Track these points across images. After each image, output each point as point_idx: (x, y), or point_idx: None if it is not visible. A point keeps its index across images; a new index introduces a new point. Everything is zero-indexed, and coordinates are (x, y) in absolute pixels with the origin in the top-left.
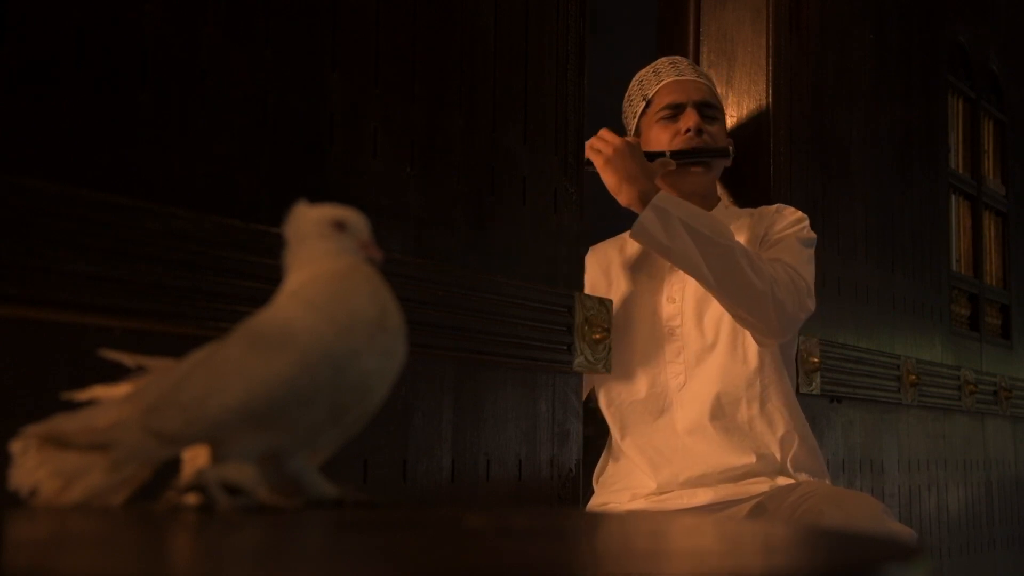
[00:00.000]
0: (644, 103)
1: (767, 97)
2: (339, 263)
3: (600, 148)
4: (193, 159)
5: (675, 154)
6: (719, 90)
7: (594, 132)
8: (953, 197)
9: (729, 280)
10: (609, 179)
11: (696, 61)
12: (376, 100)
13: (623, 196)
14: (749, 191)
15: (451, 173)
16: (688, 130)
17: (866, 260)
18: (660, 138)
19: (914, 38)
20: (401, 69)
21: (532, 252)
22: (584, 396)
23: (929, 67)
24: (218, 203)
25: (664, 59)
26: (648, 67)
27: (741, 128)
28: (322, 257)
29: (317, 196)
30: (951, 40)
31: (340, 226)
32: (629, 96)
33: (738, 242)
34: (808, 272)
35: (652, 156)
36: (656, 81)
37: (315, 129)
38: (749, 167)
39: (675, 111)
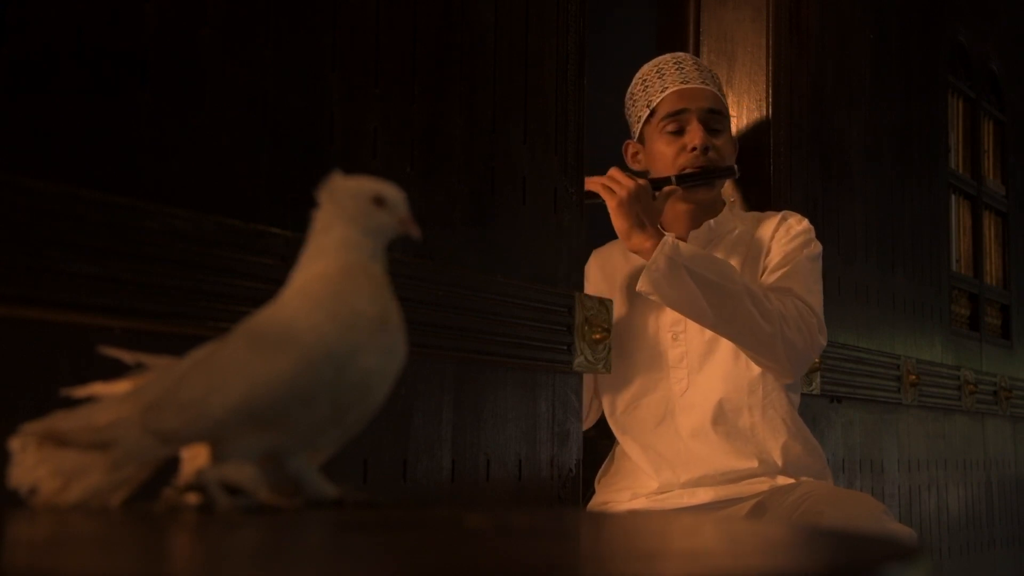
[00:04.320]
0: (648, 110)
1: (767, 97)
2: (350, 259)
3: (614, 188)
4: (193, 159)
5: (681, 179)
6: None
7: (594, 132)
8: (953, 197)
9: (737, 326)
10: (620, 223)
11: None
12: (376, 100)
13: (632, 242)
14: (749, 191)
15: (451, 173)
16: (694, 148)
17: (866, 260)
18: (665, 153)
19: (914, 38)
20: (401, 69)
21: (532, 252)
22: (588, 407)
23: (929, 67)
24: (218, 203)
25: (668, 57)
26: (651, 65)
27: (741, 128)
28: (338, 250)
29: (317, 196)
30: (951, 40)
31: (379, 201)
32: (632, 96)
33: (745, 283)
34: (818, 299)
35: (659, 183)
36: (660, 87)
37: (315, 129)
38: (749, 167)
39: (680, 123)
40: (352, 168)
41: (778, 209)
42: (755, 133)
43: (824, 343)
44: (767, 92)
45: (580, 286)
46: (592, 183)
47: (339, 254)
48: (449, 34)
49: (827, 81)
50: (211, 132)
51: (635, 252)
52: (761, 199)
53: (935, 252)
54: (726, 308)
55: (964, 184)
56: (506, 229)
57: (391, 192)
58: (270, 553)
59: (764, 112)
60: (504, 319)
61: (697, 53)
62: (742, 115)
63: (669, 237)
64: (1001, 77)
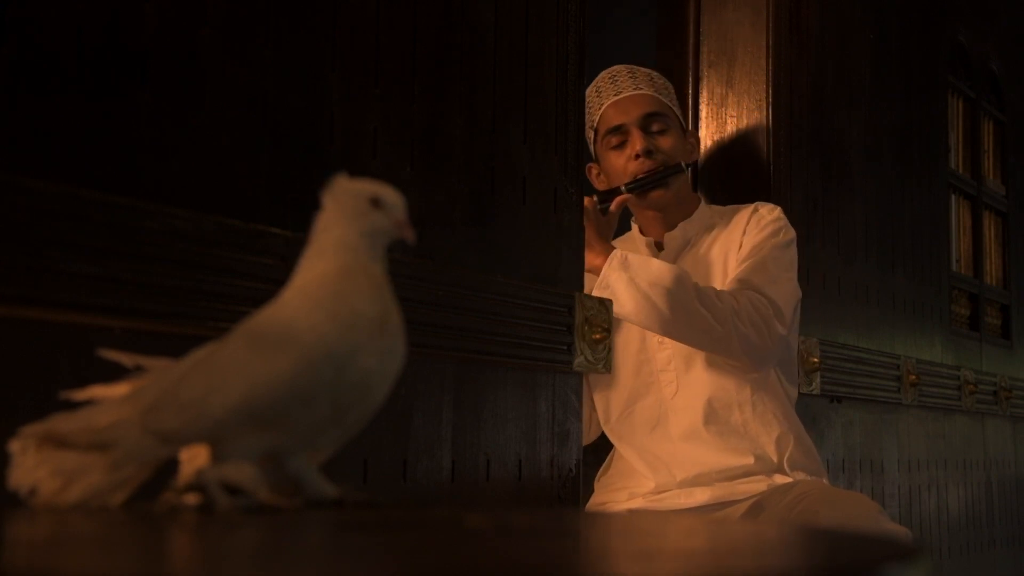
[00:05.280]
0: (592, 131)
1: (767, 97)
2: (350, 260)
3: None
4: (193, 159)
5: (630, 187)
6: (719, 90)
7: None
8: (953, 197)
9: (691, 330)
10: None
11: (696, 61)
12: (376, 100)
13: (585, 261)
14: (749, 191)
15: (451, 173)
16: (638, 155)
17: (866, 260)
18: (616, 165)
19: (914, 38)
20: (401, 69)
21: (532, 252)
22: (588, 421)
23: (929, 67)
24: (218, 203)
25: (604, 74)
26: (591, 86)
27: (741, 128)
28: (337, 251)
29: (317, 196)
30: (951, 40)
31: (377, 203)
32: (585, 118)
33: (695, 286)
34: (783, 288)
35: (610, 194)
36: (598, 105)
37: (315, 129)
38: (749, 167)
39: (621, 135)
40: (352, 168)
41: None
42: (755, 133)
43: (783, 331)
44: (767, 92)
45: (580, 286)
46: None
47: (339, 255)
48: (449, 34)
49: (827, 81)
50: (211, 132)
51: (588, 270)
52: (761, 199)
53: (935, 252)
54: (678, 314)
55: (964, 184)
56: (506, 229)
57: (389, 194)
58: (270, 553)
59: (764, 112)
60: (504, 319)
61: (697, 53)
62: (742, 115)
63: (617, 252)
64: (1001, 77)
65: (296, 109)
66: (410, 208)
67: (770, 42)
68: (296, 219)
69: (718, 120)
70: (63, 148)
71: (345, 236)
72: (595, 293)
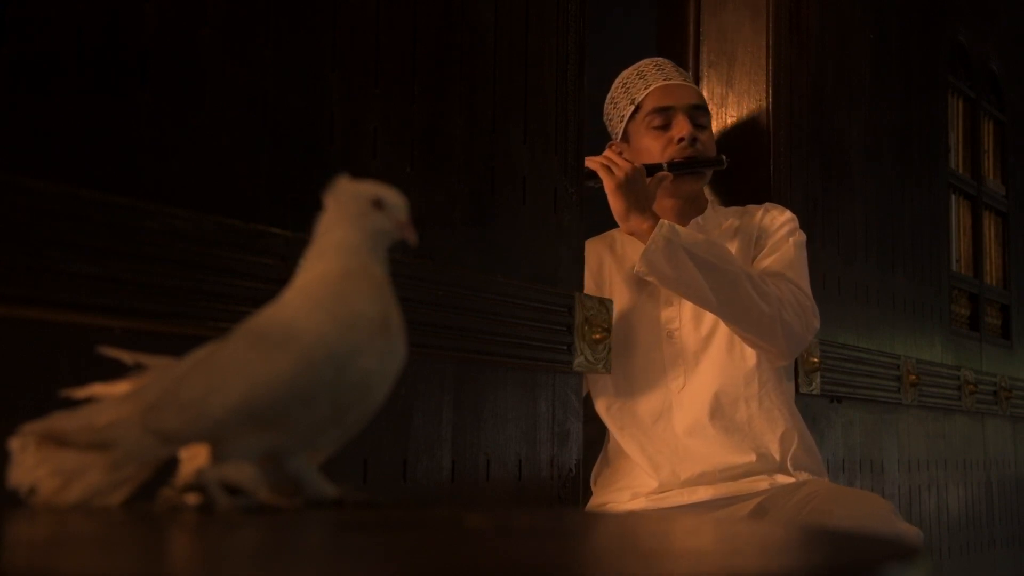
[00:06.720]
0: (632, 107)
1: (767, 97)
2: (351, 260)
3: (612, 170)
4: (193, 159)
5: (672, 167)
6: (719, 90)
7: (594, 132)
8: (953, 197)
9: (736, 307)
10: (618, 205)
11: (696, 61)
12: (376, 100)
13: (630, 224)
14: (749, 191)
15: (451, 173)
16: (682, 139)
17: (866, 260)
18: (652, 147)
19: (914, 38)
20: (401, 69)
21: (532, 252)
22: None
23: (929, 67)
24: (218, 203)
25: (647, 61)
26: (631, 69)
27: (741, 128)
28: (338, 252)
29: (317, 196)
30: (951, 40)
31: (378, 204)
32: (613, 99)
33: (743, 267)
34: (808, 285)
35: (650, 169)
36: (643, 85)
37: (315, 129)
38: (749, 167)
39: (666, 118)
40: (352, 168)
41: None
42: (755, 133)
43: (818, 326)
44: (767, 92)
45: (580, 286)
46: (591, 162)
47: (340, 256)
48: (449, 34)
49: (827, 81)
50: (211, 132)
51: (632, 234)
52: (761, 199)
53: (935, 252)
54: (725, 289)
55: (964, 184)
56: (506, 229)
57: (391, 195)
58: (270, 553)
59: (764, 112)
60: (504, 319)
61: (697, 53)
62: (742, 115)
63: (665, 221)
64: (1001, 77)
65: (296, 109)
66: (410, 208)
67: (770, 42)
68: (296, 219)
69: (718, 120)
70: (63, 148)
71: (346, 237)
72: (640, 258)
